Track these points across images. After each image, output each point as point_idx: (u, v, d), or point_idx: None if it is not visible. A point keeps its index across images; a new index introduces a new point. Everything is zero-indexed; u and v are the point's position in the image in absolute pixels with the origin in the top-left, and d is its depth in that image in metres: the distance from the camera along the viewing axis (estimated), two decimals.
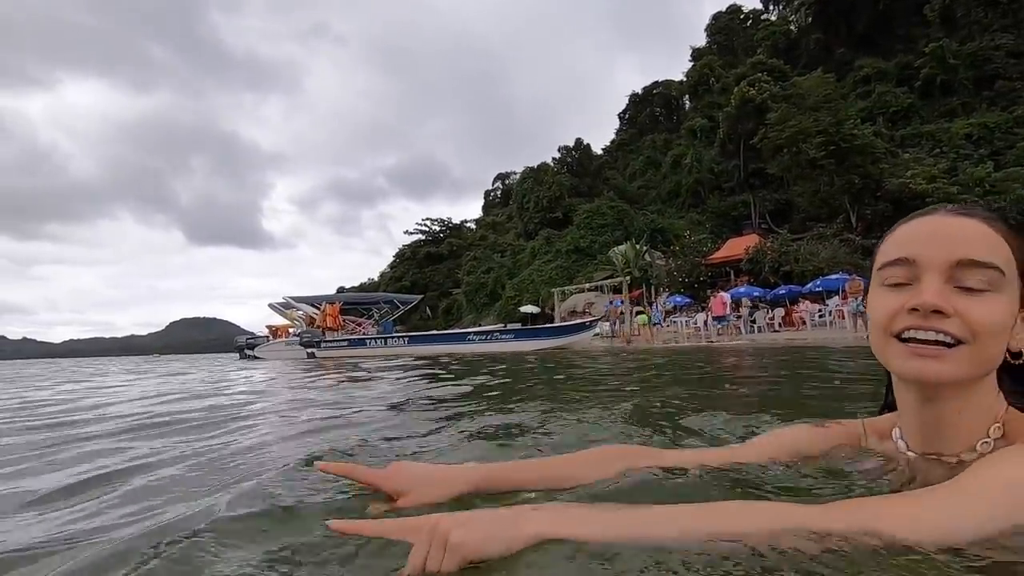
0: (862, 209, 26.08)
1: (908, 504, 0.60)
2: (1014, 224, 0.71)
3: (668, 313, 25.00)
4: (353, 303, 27.20)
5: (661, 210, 40.43)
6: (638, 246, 30.84)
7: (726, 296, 15.97)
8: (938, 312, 0.65)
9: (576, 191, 46.76)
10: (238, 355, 27.90)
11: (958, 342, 0.66)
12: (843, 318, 15.59)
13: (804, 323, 16.64)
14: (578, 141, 53.02)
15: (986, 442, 0.70)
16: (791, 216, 31.34)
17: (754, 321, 18.20)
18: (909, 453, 0.75)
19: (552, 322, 22.50)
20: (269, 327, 31.26)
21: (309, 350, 20.28)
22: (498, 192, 70.76)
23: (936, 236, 0.68)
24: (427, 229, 56.53)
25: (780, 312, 18.11)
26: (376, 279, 67.31)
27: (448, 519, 0.63)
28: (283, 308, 26.32)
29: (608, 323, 21.07)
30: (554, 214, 43.92)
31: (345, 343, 20.86)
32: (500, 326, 22.32)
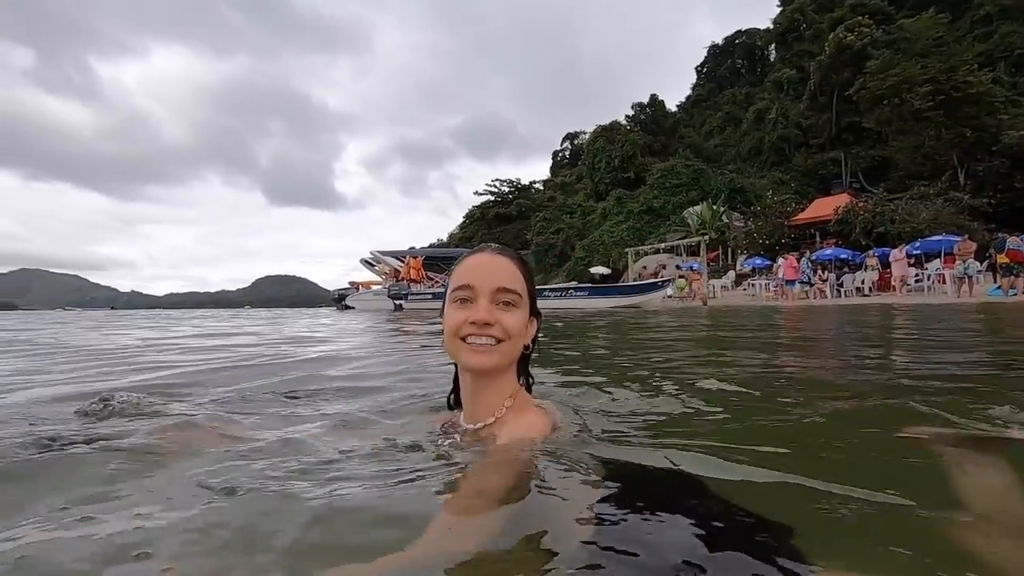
0: (973, 165, 23.84)
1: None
2: (525, 260, 1.13)
3: (746, 276, 24.43)
4: (434, 258, 28.55)
5: (740, 169, 38.64)
6: (715, 207, 29.89)
7: (795, 260, 16.95)
8: (487, 324, 1.04)
9: (649, 150, 45.38)
10: (335, 306, 30.35)
11: (499, 341, 1.05)
12: (944, 283, 14.64)
13: (896, 288, 15.73)
14: (652, 97, 50.98)
15: (500, 409, 1.08)
16: (888, 174, 29.12)
17: (841, 285, 17.51)
18: (467, 426, 1.12)
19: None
20: (352, 283, 33.67)
21: (397, 302, 21.78)
22: (567, 152, 69.76)
23: (485, 268, 1.07)
24: (496, 190, 57.04)
25: (873, 276, 17.29)
26: (445, 239, 69.12)
27: None
28: (373, 263, 28.34)
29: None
30: (626, 174, 43.01)
31: (430, 296, 22.12)
32: (574, 284, 22.80)
